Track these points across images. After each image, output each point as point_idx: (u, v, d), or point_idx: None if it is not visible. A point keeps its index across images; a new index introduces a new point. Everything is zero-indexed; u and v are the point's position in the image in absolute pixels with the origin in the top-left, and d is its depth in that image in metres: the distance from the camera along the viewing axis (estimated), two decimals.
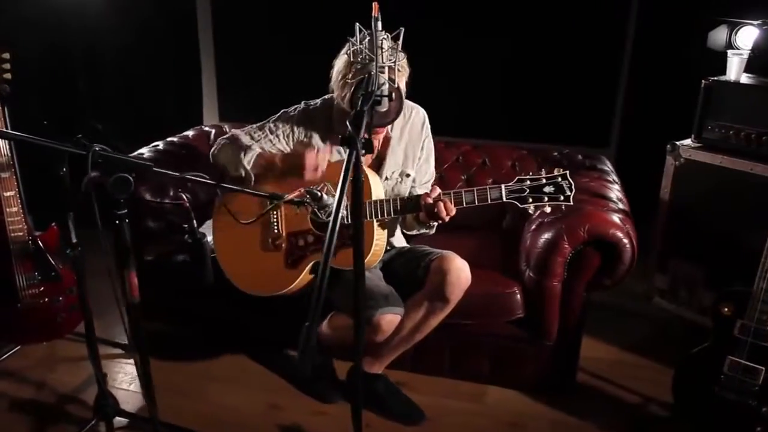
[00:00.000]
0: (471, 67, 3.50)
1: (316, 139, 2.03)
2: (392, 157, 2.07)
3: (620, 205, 2.15)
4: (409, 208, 1.87)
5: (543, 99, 3.48)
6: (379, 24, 1.54)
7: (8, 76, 2.13)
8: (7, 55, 2.13)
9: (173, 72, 4.10)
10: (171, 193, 2.42)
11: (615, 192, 2.27)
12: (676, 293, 2.44)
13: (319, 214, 1.64)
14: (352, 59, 1.73)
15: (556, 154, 2.69)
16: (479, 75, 3.51)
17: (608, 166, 2.58)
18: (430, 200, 1.82)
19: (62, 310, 2.27)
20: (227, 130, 3.06)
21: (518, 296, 2.11)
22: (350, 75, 1.78)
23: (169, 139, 2.93)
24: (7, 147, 2.13)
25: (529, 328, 2.15)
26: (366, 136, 1.24)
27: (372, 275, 1.98)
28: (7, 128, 2.12)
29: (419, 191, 2.14)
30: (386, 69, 1.57)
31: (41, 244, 2.21)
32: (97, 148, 1.28)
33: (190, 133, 3.02)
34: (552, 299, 2.08)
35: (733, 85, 2.22)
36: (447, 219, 1.79)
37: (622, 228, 1.97)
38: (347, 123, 1.29)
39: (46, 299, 2.24)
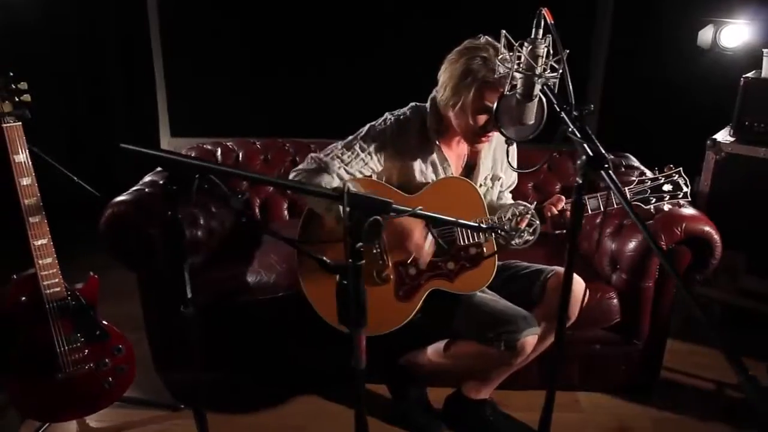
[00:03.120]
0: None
1: (412, 155, 1.87)
2: (484, 162, 1.97)
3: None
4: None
5: None
6: (540, 32, 1.47)
7: (27, 98, 1.74)
8: (23, 85, 1.74)
9: (125, 93, 3.73)
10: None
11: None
12: (715, 279, 2.58)
13: (503, 241, 1.49)
14: (493, 66, 1.60)
15: None
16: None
17: (638, 163, 2.67)
18: (557, 211, 1.75)
19: (109, 374, 1.91)
20: (232, 147, 2.77)
21: (615, 301, 2.11)
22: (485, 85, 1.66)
23: None
24: (36, 186, 1.74)
25: (620, 330, 2.16)
26: None
27: (492, 296, 1.87)
28: (27, 159, 1.75)
29: (506, 197, 2.07)
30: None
31: (82, 299, 1.83)
32: (345, 188, 1.05)
33: (191, 153, 2.69)
34: (647, 300, 2.10)
35: None
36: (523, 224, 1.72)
37: (712, 223, 2.04)
38: (581, 145, 1.19)
39: (91, 364, 1.87)
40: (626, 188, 1.79)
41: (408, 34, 3.50)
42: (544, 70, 1.50)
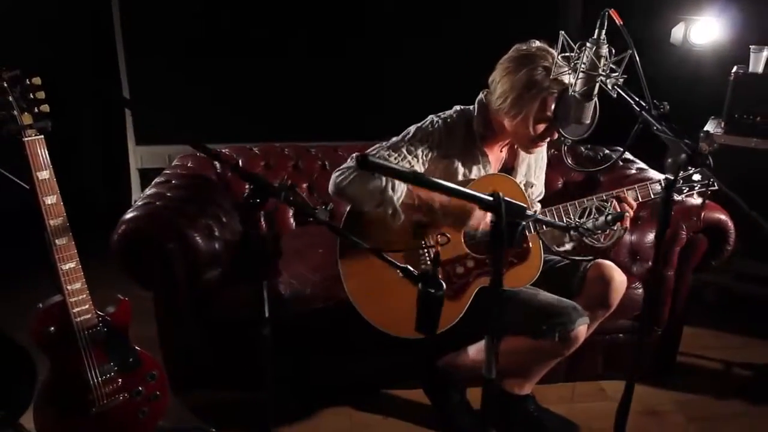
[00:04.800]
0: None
1: (456, 157, 1.86)
2: (520, 167, 1.98)
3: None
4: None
5: None
6: (601, 33, 1.50)
7: (45, 108, 1.59)
8: (37, 80, 1.59)
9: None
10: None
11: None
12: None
13: (590, 242, 1.49)
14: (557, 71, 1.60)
15: (582, 149, 2.81)
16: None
17: (632, 157, 2.77)
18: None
19: (144, 403, 1.77)
20: (230, 154, 2.65)
21: (640, 290, 2.17)
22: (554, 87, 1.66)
23: (167, 172, 2.46)
24: (61, 205, 1.60)
25: (641, 319, 2.22)
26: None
27: (536, 291, 1.88)
28: (52, 175, 1.60)
29: (536, 206, 2.08)
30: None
31: (114, 325, 1.70)
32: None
33: (187, 162, 2.56)
34: (668, 288, 2.18)
35: (762, 76, 2.52)
36: (627, 223, 1.76)
37: (727, 213, 2.14)
38: (676, 143, 1.21)
39: (126, 394, 1.73)
40: (661, 179, 1.85)
41: (398, 32, 3.51)
42: (604, 70, 1.53)
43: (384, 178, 1.73)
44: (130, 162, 3.71)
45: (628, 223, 1.66)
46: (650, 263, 2.21)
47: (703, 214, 2.11)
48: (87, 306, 1.64)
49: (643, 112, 1.35)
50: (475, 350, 1.97)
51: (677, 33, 3.17)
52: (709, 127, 2.68)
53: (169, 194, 2.20)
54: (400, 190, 1.72)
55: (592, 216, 1.62)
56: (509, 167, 1.98)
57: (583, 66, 1.50)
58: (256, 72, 3.57)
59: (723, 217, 2.12)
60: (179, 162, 2.57)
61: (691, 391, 2.27)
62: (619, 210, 1.73)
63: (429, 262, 1.81)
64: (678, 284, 2.21)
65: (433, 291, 1.36)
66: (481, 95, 1.89)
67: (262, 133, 3.22)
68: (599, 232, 1.50)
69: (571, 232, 1.52)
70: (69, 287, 1.60)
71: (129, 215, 1.99)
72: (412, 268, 1.36)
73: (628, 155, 2.75)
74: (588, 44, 1.50)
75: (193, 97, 3.59)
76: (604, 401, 2.24)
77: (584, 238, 1.51)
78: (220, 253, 2.13)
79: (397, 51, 3.50)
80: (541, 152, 2.05)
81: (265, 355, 1.42)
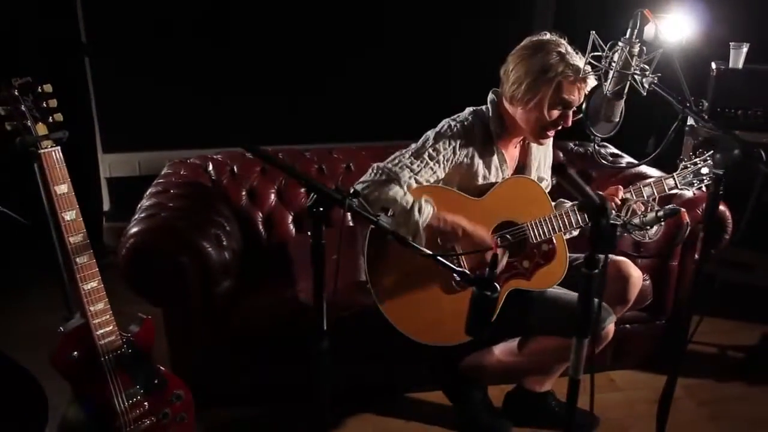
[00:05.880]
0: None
1: (476, 159, 1.85)
2: (533, 163, 2.00)
3: None
4: None
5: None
6: (634, 32, 1.53)
7: (59, 117, 1.49)
8: (48, 88, 1.48)
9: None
10: None
11: (658, 171, 2.53)
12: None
13: (636, 236, 1.51)
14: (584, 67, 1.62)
15: (571, 145, 2.86)
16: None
17: (620, 151, 2.84)
18: (619, 201, 1.81)
19: (171, 426, 1.69)
20: (223, 160, 2.55)
21: (648, 282, 2.23)
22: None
23: (161, 180, 2.35)
24: (81, 220, 1.49)
25: (647, 309, 2.29)
26: None
27: (564, 291, 1.90)
28: (71, 189, 1.50)
29: None
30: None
31: (138, 346, 1.60)
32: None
33: (180, 170, 2.45)
34: (673, 278, 2.26)
35: (741, 71, 2.64)
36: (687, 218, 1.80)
37: (725, 203, 2.23)
38: (730, 140, 1.26)
39: (153, 418, 1.64)
40: (674, 174, 1.90)
41: (394, 33, 3.50)
42: (635, 70, 1.56)
43: (410, 199, 1.70)
44: (99, 171, 3.53)
45: (687, 218, 1.70)
46: (652, 258, 2.29)
47: (704, 204, 2.19)
48: (111, 327, 1.54)
49: (685, 109, 1.38)
50: (501, 350, 1.97)
51: (648, 30, 3.29)
52: (692, 121, 2.79)
53: (171, 204, 2.10)
54: (426, 212, 1.70)
55: (639, 214, 1.65)
56: (522, 165, 1.99)
57: (616, 65, 1.53)
58: (244, 72, 3.45)
59: (722, 207, 2.21)
60: (170, 170, 2.46)
61: (694, 376, 2.36)
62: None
63: (460, 266, 1.80)
64: (682, 273, 2.28)
65: (489, 293, 1.35)
66: (491, 95, 1.89)
67: (249, 137, 3.12)
68: (648, 227, 1.53)
69: (619, 230, 1.55)
70: (92, 308, 1.50)
71: (135, 228, 1.89)
72: (468, 271, 1.36)
73: (615, 150, 2.84)
74: (621, 43, 1.53)
75: (172, 101, 3.43)
76: (615, 392, 2.29)
77: (631, 234, 1.54)
78: (230, 264, 2.05)
79: (393, 51, 3.47)
80: (549, 146, 2.07)
81: (323, 370, 1.37)
